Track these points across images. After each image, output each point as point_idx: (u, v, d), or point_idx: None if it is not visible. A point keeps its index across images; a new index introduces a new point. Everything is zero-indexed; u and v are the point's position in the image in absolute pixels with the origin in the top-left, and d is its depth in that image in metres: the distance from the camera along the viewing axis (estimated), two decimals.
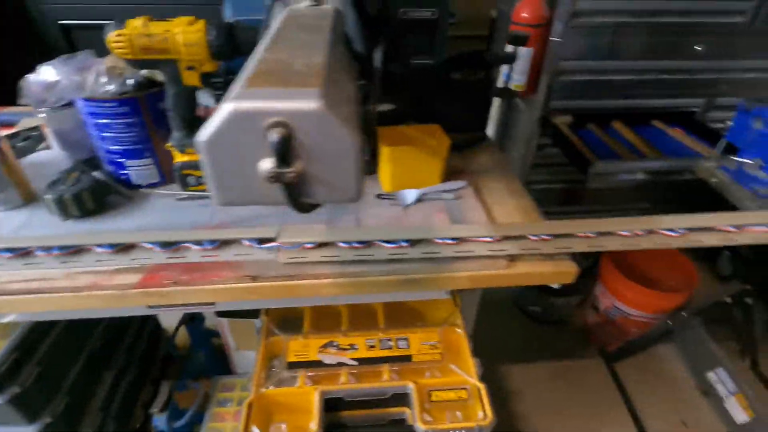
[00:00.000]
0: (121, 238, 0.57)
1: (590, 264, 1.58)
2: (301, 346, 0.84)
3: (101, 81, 0.61)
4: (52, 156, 0.71)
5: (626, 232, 0.57)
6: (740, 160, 1.06)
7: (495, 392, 1.43)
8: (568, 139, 1.41)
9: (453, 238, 0.58)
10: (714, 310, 1.67)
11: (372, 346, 0.85)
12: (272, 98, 0.29)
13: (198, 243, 0.57)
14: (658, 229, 0.58)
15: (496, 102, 1.62)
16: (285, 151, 0.29)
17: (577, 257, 1.55)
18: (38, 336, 0.81)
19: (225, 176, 0.31)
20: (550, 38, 1.35)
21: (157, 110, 0.65)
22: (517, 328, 1.70)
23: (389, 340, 0.86)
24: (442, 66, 0.79)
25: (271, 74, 0.32)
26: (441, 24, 0.71)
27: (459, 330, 0.88)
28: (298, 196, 0.32)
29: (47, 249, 0.55)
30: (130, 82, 0.63)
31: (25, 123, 0.85)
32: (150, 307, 0.68)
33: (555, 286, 0.64)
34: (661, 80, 1.49)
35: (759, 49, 1.39)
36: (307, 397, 0.76)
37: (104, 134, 0.65)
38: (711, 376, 1.26)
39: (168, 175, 0.71)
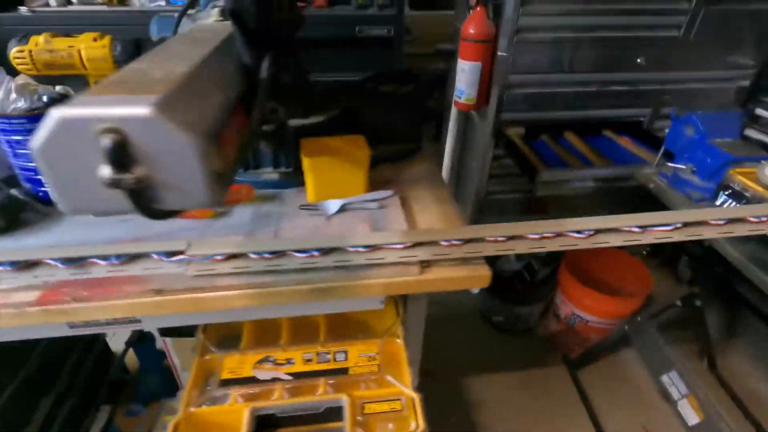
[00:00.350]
0: (22, 255, 0.55)
1: (549, 272, 1.60)
2: (236, 363, 0.83)
3: (11, 98, 0.61)
4: None
5: (534, 235, 0.59)
6: (675, 165, 1.10)
7: (458, 404, 1.43)
8: (519, 150, 1.45)
9: (365, 246, 0.58)
10: (671, 313, 1.71)
11: (309, 360, 0.84)
12: (103, 105, 0.29)
13: (104, 258, 0.56)
14: (565, 231, 0.59)
15: (454, 116, 1.65)
16: (119, 157, 0.29)
17: (534, 266, 1.55)
18: None
19: (65, 183, 0.31)
20: (498, 53, 1.39)
21: None
22: (483, 339, 1.70)
23: (327, 353, 0.85)
24: (369, 80, 0.81)
25: (119, 83, 0.33)
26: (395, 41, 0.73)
27: (398, 340, 0.88)
28: (146, 202, 0.32)
29: None
30: (44, 98, 0.63)
31: None
32: (71, 326, 0.66)
33: (474, 290, 0.64)
34: (608, 92, 1.55)
35: (694, 61, 1.46)
36: (237, 415, 0.74)
37: (17, 151, 0.64)
38: (665, 379, 1.27)
39: None
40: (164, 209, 0.33)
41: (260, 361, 0.83)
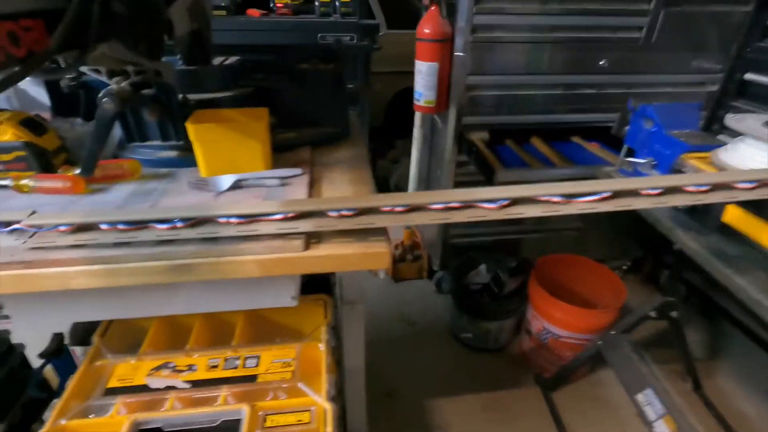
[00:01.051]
0: None
1: (519, 285, 1.50)
2: (129, 370, 0.73)
3: None
4: None
5: (438, 205, 0.50)
6: (635, 161, 1.03)
7: (420, 427, 1.30)
8: (481, 154, 1.38)
9: (239, 217, 0.50)
10: (652, 330, 1.59)
11: (214, 367, 0.73)
12: None
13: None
14: (474, 201, 0.51)
15: (418, 121, 1.60)
16: None
17: (502, 277, 1.45)
18: None
19: None
20: (455, 53, 1.35)
21: None
22: (451, 358, 1.58)
23: (237, 358, 0.75)
24: (288, 57, 0.75)
25: None
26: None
27: (321, 345, 0.78)
28: None
29: None
30: None
31: None
32: None
33: (380, 275, 0.55)
34: (574, 95, 1.50)
35: (659, 64, 1.42)
36: (115, 428, 0.64)
37: None
38: (640, 397, 1.15)
39: None
40: None
41: (157, 368, 0.73)
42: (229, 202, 0.59)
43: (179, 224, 0.49)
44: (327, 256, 0.50)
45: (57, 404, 0.66)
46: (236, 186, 0.62)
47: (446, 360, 1.57)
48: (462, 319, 1.56)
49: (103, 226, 0.48)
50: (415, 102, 1.45)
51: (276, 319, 0.88)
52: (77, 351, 0.95)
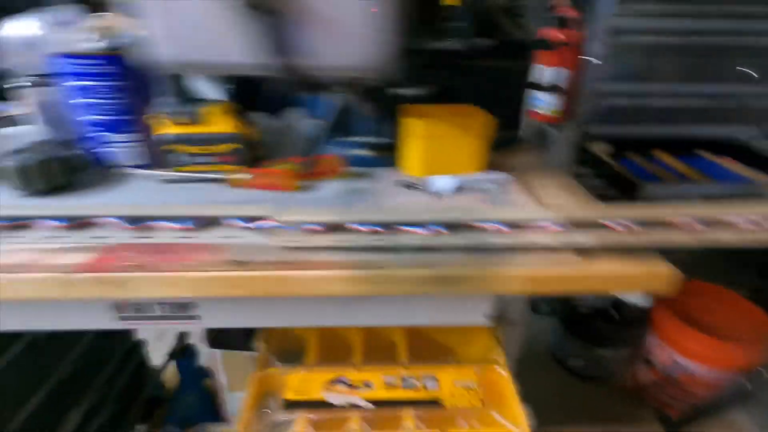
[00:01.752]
0: (77, 210, 0.45)
1: (643, 310, 1.37)
2: (302, 382, 0.68)
3: (88, 38, 0.53)
4: (26, 131, 0.62)
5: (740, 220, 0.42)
6: None
7: None
8: (610, 167, 1.28)
9: (506, 223, 0.43)
10: None
11: (391, 385, 0.67)
12: None
13: (172, 220, 0.44)
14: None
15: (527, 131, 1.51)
16: None
17: (621, 302, 1.32)
18: None
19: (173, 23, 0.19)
20: (589, 58, 1.26)
21: (146, 77, 0.56)
22: (554, 384, 1.46)
23: (413, 378, 0.69)
24: (469, 51, 0.69)
25: None
26: None
27: (501, 370, 0.71)
28: (285, 46, 0.19)
29: None
30: (121, 42, 0.55)
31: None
32: (121, 318, 0.54)
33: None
34: (704, 106, 1.37)
35: None
36: None
37: (86, 101, 0.55)
38: None
39: (154, 156, 0.60)
40: (308, 75, 0.21)
41: (332, 382, 0.68)
42: (459, 205, 0.53)
43: (441, 229, 0.43)
44: (606, 274, 0.43)
45: (240, 417, 0.62)
46: (455, 188, 0.56)
47: (550, 387, 1.45)
48: (571, 344, 1.44)
49: (359, 227, 0.43)
50: (536, 110, 1.37)
51: (433, 336, 0.82)
52: (217, 354, 0.92)
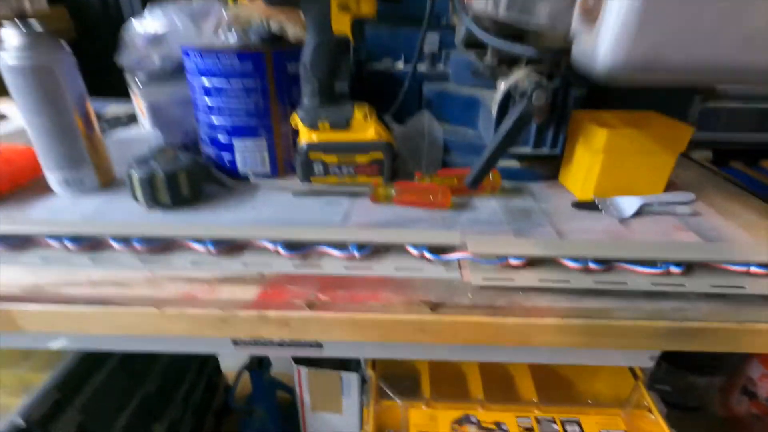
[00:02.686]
0: (228, 232, 0.38)
1: None
2: (425, 419, 0.60)
3: (222, 31, 0.46)
4: (142, 135, 0.57)
5: None
6: None
7: None
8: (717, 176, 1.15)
9: (760, 264, 0.34)
10: None
11: (528, 429, 0.59)
12: None
13: (341, 247, 0.37)
14: None
15: None
16: None
17: None
18: (86, 371, 0.63)
19: None
20: None
21: (283, 76, 0.49)
22: None
23: (551, 420, 0.60)
24: None
25: None
26: None
27: (652, 416, 0.61)
28: None
29: (124, 240, 0.38)
30: (255, 36, 0.48)
31: (114, 110, 0.73)
32: (237, 344, 0.49)
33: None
34: None
35: None
36: None
37: (212, 102, 0.49)
38: None
39: (281, 165, 0.54)
40: None
41: (458, 421, 0.60)
42: (645, 232, 0.44)
43: (674, 269, 0.35)
44: None
45: None
46: (639, 212, 0.47)
47: None
48: (658, 368, 1.33)
49: (569, 263, 0.35)
50: None
51: (558, 369, 0.73)
52: (302, 372, 0.86)
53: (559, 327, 0.34)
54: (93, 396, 0.62)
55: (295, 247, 0.37)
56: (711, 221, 0.47)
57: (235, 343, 0.51)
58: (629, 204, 0.47)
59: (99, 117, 0.65)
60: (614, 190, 0.48)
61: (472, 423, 0.59)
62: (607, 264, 0.36)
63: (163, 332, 0.35)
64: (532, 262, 0.36)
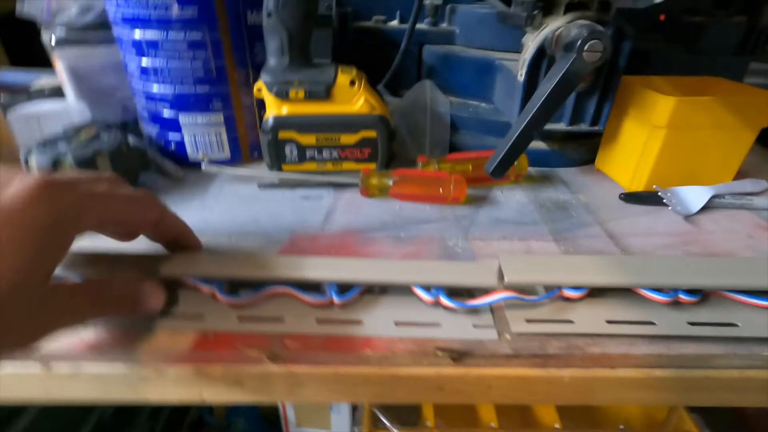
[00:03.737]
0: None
1: None
2: None
3: None
4: (61, 109, 0.44)
5: None
6: None
7: None
8: None
9: None
10: None
11: None
12: None
13: (310, 289, 0.25)
14: None
15: None
16: None
17: None
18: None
19: None
20: None
21: (240, 26, 0.37)
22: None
23: None
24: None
25: None
26: None
27: None
28: None
29: None
30: None
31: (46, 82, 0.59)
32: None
33: None
34: None
35: None
36: None
37: (148, 63, 0.37)
38: None
39: (245, 149, 0.42)
40: None
41: None
42: (726, 235, 0.33)
43: None
44: None
45: None
46: (708, 206, 0.36)
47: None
48: None
49: (653, 295, 0.24)
50: None
51: None
52: None
53: (639, 381, 0.23)
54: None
55: (240, 290, 0.26)
56: None
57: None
58: (696, 196, 0.36)
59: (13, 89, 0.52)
60: (675, 179, 0.37)
61: None
62: (700, 294, 0.25)
63: (54, 397, 0.24)
64: (591, 292, 0.25)
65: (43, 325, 0.20)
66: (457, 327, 0.24)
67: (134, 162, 0.37)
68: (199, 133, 0.40)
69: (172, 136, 0.40)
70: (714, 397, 0.24)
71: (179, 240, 0.27)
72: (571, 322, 0.24)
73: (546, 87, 0.31)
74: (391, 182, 0.36)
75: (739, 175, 0.40)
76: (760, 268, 0.26)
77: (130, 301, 0.23)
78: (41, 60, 0.48)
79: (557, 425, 0.53)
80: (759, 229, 0.34)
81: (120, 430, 0.72)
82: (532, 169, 0.43)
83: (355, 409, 0.54)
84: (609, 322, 0.24)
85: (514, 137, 0.32)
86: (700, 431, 0.51)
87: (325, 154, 0.38)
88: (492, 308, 0.26)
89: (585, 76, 0.36)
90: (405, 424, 0.53)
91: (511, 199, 0.38)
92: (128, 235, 0.26)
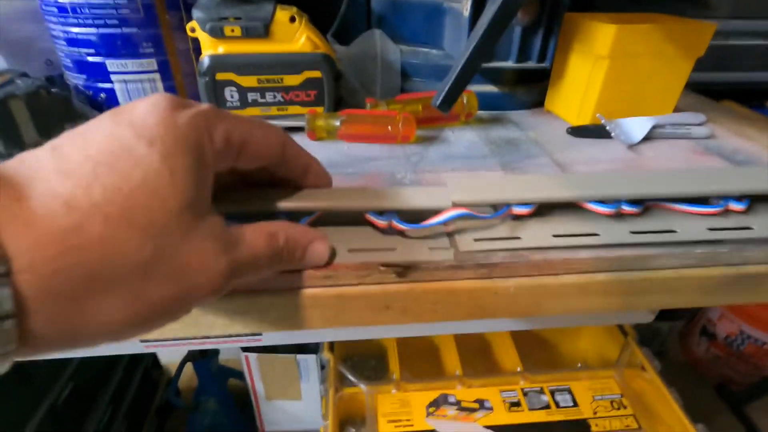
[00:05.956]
0: None
1: None
2: (396, 405, 0.51)
3: None
4: None
5: None
6: None
7: None
8: None
9: None
10: None
11: (515, 405, 0.51)
12: None
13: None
14: None
15: None
16: None
17: None
18: None
19: None
20: None
21: None
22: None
23: (539, 391, 0.52)
24: None
25: None
26: None
27: (647, 374, 0.55)
28: None
29: None
30: None
31: None
32: (143, 341, 0.37)
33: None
34: None
35: None
36: None
37: (65, 2, 0.34)
38: None
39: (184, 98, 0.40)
40: None
41: (434, 403, 0.51)
42: (660, 159, 0.34)
43: (736, 205, 0.25)
44: None
45: None
46: (649, 137, 0.37)
47: None
48: None
49: (597, 207, 0.25)
50: None
51: (539, 333, 0.66)
52: (250, 358, 0.74)
53: (582, 286, 0.24)
54: None
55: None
56: (731, 143, 0.38)
57: (143, 342, 0.39)
58: (639, 126, 0.37)
59: None
60: (619, 110, 0.38)
61: (450, 404, 0.50)
62: (640, 204, 0.25)
63: None
64: (540, 210, 0.26)
65: (230, 264, 0.17)
66: (412, 250, 0.24)
67: (58, 111, 0.34)
68: (131, 82, 0.37)
69: (101, 85, 0.37)
70: (653, 299, 0.25)
71: (308, 174, 0.23)
72: (518, 238, 0.24)
73: (487, 15, 0.31)
74: (338, 123, 0.35)
75: (678, 111, 0.41)
76: (697, 178, 0.26)
77: (301, 249, 0.20)
78: None
79: (519, 368, 0.54)
80: (696, 154, 0.36)
81: (76, 417, 0.69)
82: (483, 112, 0.43)
83: (322, 368, 0.54)
84: (555, 236, 0.25)
85: (459, 68, 0.31)
86: (650, 362, 0.54)
87: (269, 97, 0.36)
88: (449, 233, 0.25)
89: (525, 9, 0.35)
90: (371, 379, 0.53)
91: (462, 138, 0.38)
92: (255, 161, 0.20)
